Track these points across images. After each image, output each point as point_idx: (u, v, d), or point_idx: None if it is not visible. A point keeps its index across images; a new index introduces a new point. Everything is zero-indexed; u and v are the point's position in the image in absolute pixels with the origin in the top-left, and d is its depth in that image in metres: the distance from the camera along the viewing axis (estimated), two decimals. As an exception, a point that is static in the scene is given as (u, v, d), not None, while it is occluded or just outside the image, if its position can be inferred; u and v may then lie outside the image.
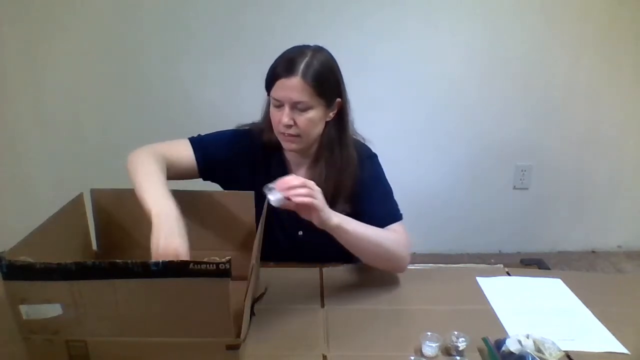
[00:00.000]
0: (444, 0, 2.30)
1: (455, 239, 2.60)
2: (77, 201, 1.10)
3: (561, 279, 1.23)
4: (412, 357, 0.93)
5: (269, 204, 1.01)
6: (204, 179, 1.27)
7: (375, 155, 1.30)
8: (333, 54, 1.20)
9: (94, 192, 1.15)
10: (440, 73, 2.38)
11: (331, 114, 1.19)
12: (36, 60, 2.26)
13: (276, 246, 1.25)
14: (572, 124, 2.51)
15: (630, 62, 2.42)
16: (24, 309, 0.79)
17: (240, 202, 1.13)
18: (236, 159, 1.25)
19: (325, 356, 0.95)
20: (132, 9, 2.22)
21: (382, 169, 1.29)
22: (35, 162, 2.40)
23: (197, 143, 1.25)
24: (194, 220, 1.14)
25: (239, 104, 2.36)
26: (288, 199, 0.98)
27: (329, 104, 1.16)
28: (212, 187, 1.29)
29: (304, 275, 1.22)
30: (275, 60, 1.15)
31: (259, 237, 1.01)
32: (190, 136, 1.28)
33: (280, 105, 1.13)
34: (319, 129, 1.18)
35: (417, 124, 2.47)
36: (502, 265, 1.30)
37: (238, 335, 0.84)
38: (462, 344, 0.95)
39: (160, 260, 0.77)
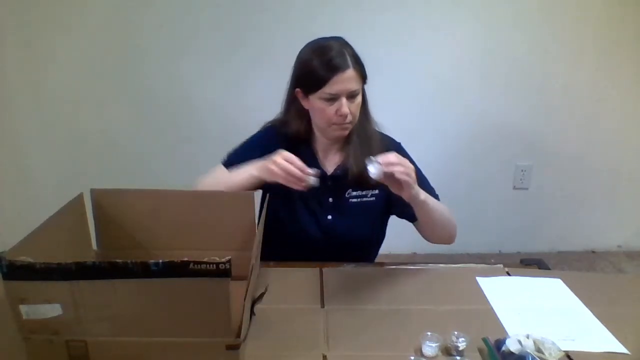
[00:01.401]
0: (443, 0, 2.30)
1: (455, 239, 2.59)
2: (77, 201, 1.10)
3: (561, 279, 1.23)
4: (412, 357, 0.93)
5: (311, 188, 1.11)
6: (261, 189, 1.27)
7: (400, 143, 1.36)
8: None
9: (94, 192, 1.15)
10: (439, 73, 2.39)
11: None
12: (36, 60, 2.26)
13: (306, 234, 1.29)
14: (572, 124, 2.51)
15: (630, 62, 2.42)
16: (24, 309, 0.79)
17: (240, 202, 1.13)
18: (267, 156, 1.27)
19: (325, 356, 0.95)
20: (132, 9, 2.22)
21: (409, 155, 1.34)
22: (35, 162, 2.40)
23: (230, 163, 1.30)
24: (194, 220, 1.14)
25: (240, 104, 2.38)
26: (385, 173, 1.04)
27: (363, 86, 1.24)
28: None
29: (304, 275, 1.22)
30: (316, 60, 1.18)
31: (259, 237, 1.01)
32: (222, 160, 1.34)
33: (332, 99, 1.17)
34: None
35: (417, 124, 2.47)
36: (502, 265, 1.30)
37: (238, 335, 0.84)
38: (462, 344, 0.95)
39: (160, 260, 0.77)
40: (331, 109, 1.18)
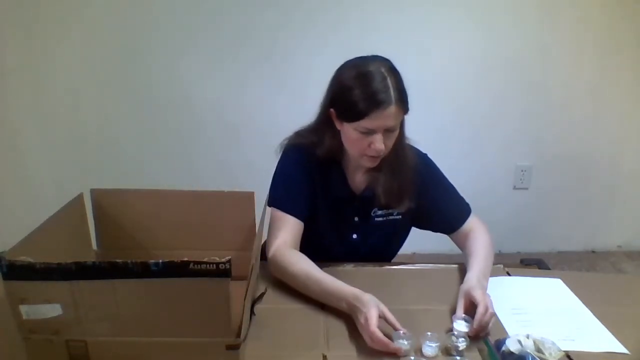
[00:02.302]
0: (443, 0, 2.30)
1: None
2: (77, 201, 1.10)
3: (561, 279, 1.23)
4: (412, 357, 0.93)
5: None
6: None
7: (426, 155, 1.32)
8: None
9: (94, 192, 1.15)
10: (439, 73, 2.38)
11: None
12: (36, 60, 2.25)
13: (329, 251, 1.27)
14: (572, 124, 2.51)
15: (630, 62, 2.42)
16: (24, 309, 0.79)
17: (240, 202, 1.13)
18: (308, 180, 1.24)
19: (325, 356, 0.95)
20: (132, 9, 2.22)
21: (436, 166, 1.32)
22: (36, 162, 2.40)
23: (284, 205, 1.21)
24: (194, 220, 1.14)
25: (241, 104, 2.38)
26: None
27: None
28: (212, 187, 1.28)
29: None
30: (354, 89, 1.09)
31: (259, 237, 1.01)
32: (269, 202, 1.22)
33: (368, 133, 1.10)
34: None
35: (416, 125, 2.45)
36: (502, 266, 1.30)
37: (238, 335, 0.84)
38: (462, 344, 0.95)
39: (160, 260, 0.77)
40: (365, 142, 1.12)
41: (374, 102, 1.07)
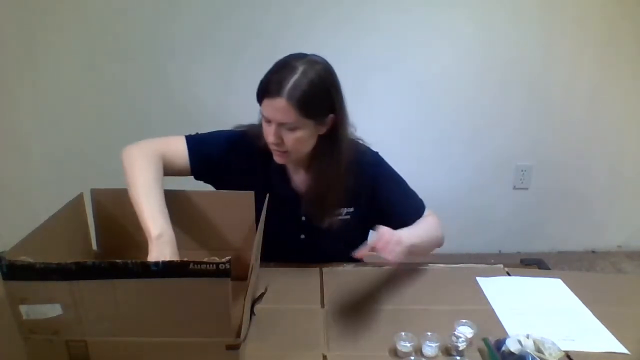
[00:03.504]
0: (443, 0, 2.30)
1: (455, 239, 2.59)
2: (77, 201, 1.10)
3: (561, 279, 1.23)
4: (412, 357, 0.93)
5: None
6: (196, 178, 1.25)
7: (377, 154, 1.29)
8: (327, 55, 1.16)
9: (94, 192, 1.15)
10: (439, 73, 2.38)
11: (324, 129, 1.16)
12: (36, 60, 2.26)
13: (282, 250, 1.25)
14: (572, 123, 2.51)
15: (630, 62, 2.42)
16: (24, 309, 0.79)
17: (240, 202, 1.13)
18: (230, 160, 1.24)
19: (325, 356, 0.95)
20: (133, 10, 2.22)
21: (388, 164, 1.29)
22: (35, 162, 2.40)
23: (192, 141, 1.23)
24: (194, 220, 1.15)
25: (241, 105, 2.36)
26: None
27: (318, 122, 1.14)
28: (212, 187, 1.29)
29: (304, 275, 1.22)
30: (266, 74, 1.11)
31: (259, 237, 1.01)
32: (187, 134, 1.26)
33: (268, 121, 1.11)
34: (309, 145, 1.16)
35: (416, 124, 2.47)
36: (502, 266, 1.30)
37: (238, 335, 0.84)
38: (462, 344, 0.95)
39: (160, 260, 0.77)
40: (266, 130, 1.13)
41: (263, 89, 1.09)
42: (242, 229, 1.15)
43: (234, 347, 0.84)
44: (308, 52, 1.16)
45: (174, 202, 1.15)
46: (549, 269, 1.34)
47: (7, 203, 2.36)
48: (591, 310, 1.11)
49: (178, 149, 1.21)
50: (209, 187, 1.28)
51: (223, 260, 0.76)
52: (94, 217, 1.16)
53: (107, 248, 1.17)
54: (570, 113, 2.49)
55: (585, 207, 2.66)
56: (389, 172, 1.29)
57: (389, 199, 1.26)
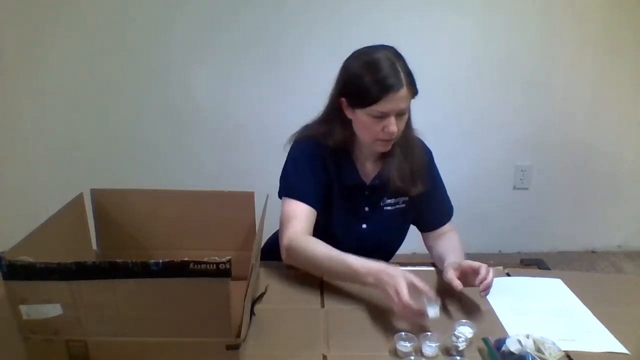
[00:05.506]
0: (444, 0, 2.30)
1: (455, 239, 2.60)
2: (77, 201, 1.10)
3: (561, 279, 1.23)
4: (412, 357, 0.93)
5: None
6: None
7: (429, 148, 1.36)
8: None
9: (94, 192, 1.15)
10: (439, 73, 2.38)
11: None
12: (36, 61, 2.25)
13: (339, 242, 1.22)
14: (572, 124, 2.51)
15: (630, 62, 2.42)
16: (24, 309, 0.79)
17: (240, 202, 1.13)
18: (320, 170, 1.25)
19: (325, 356, 0.95)
20: (133, 10, 2.22)
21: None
22: (35, 162, 2.40)
23: (296, 193, 1.21)
24: (194, 220, 1.14)
25: (242, 105, 2.37)
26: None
27: None
28: (212, 187, 1.28)
29: (304, 275, 1.22)
30: (369, 77, 1.12)
31: (259, 237, 1.01)
32: (280, 193, 1.25)
33: (381, 117, 1.13)
34: None
35: (416, 124, 2.46)
36: (502, 267, 1.30)
37: (238, 335, 0.84)
38: (462, 344, 0.95)
39: (160, 260, 0.77)
40: (378, 126, 1.14)
41: (386, 86, 1.10)
42: (242, 229, 1.15)
43: (234, 347, 0.84)
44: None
45: (174, 202, 1.16)
46: (549, 269, 1.34)
47: (7, 203, 2.36)
48: (591, 310, 1.11)
49: (302, 210, 1.20)
50: (209, 187, 1.28)
51: (223, 260, 0.76)
52: (94, 217, 1.16)
53: (107, 248, 1.17)
54: (570, 113, 2.49)
55: (585, 207, 2.66)
56: (436, 170, 1.35)
57: (434, 197, 1.31)
